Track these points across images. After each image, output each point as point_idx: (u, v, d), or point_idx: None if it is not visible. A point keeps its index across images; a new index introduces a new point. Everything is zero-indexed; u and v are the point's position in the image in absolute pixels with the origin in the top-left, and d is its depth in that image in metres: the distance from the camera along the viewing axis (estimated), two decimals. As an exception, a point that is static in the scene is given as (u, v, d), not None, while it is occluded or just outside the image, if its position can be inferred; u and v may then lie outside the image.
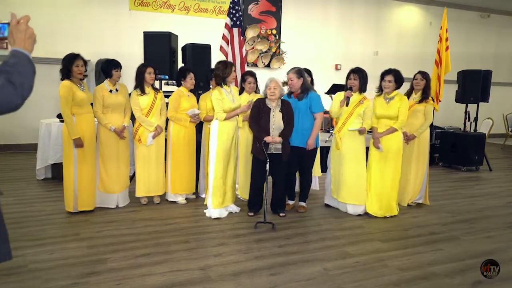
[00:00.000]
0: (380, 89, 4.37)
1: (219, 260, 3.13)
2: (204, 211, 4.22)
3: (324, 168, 4.96)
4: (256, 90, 4.82)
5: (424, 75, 4.77)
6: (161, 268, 2.95)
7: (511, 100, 12.51)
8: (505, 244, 3.67)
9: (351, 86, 4.25)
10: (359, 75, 4.24)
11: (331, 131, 5.93)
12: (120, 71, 4.29)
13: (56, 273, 2.83)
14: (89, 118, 4.12)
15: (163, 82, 5.43)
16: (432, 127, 6.82)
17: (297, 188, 4.69)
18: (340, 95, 4.37)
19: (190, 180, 4.68)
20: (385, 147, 4.25)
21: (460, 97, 7.26)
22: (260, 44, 9.53)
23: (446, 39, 6.72)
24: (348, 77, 4.32)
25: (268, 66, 9.68)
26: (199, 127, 4.78)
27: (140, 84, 4.38)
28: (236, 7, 5.99)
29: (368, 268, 3.06)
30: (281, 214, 4.25)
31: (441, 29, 6.81)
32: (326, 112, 5.17)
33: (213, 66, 4.40)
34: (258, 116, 4.09)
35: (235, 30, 5.98)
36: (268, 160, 3.86)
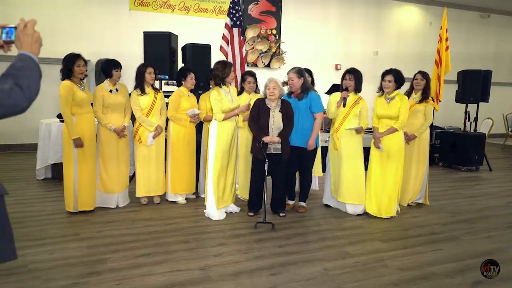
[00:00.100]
0: (381, 89, 4.37)
1: (219, 260, 3.13)
2: (204, 211, 4.22)
3: (324, 168, 4.96)
4: (256, 90, 4.82)
5: (424, 75, 4.77)
6: (161, 268, 2.95)
7: (511, 100, 12.52)
8: (505, 244, 3.67)
9: (347, 86, 4.26)
10: (354, 75, 4.26)
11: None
12: (120, 71, 4.29)
13: (56, 273, 2.83)
14: (89, 118, 4.12)
15: (163, 82, 5.43)
16: (432, 127, 6.82)
17: (297, 188, 4.69)
18: (336, 95, 4.38)
19: (190, 180, 4.68)
20: (386, 147, 4.25)
21: (460, 97, 7.26)
22: (260, 44, 9.53)
23: (446, 39, 6.72)
24: (343, 78, 4.33)
25: (268, 66, 9.68)
26: (199, 127, 4.78)
27: (140, 84, 4.38)
28: (236, 7, 5.99)
29: (368, 268, 3.06)
30: (281, 214, 4.25)
31: (441, 29, 6.81)
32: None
33: (213, 66, 4.40)
34: (257, 116, 4.10)
35: (235, 30, 5.98)
36: (267, 160, 3.85)
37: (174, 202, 4.63)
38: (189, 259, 3.12)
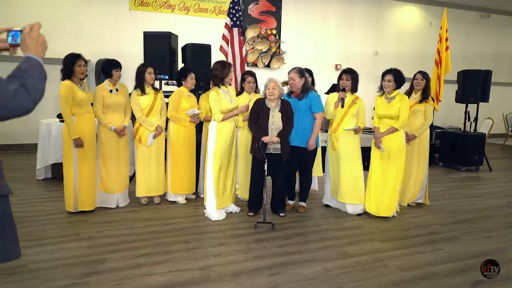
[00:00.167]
0: (381, 89, 4.37)
1: (219, 260, 3.13)
2: (204, 211, 4.22)
3: (324, 168, 4.96)
4: (256, 90, 4.82)
5: (424, 75, 4.78)
6: (161, 268, 2.95)
7: (511, 100, 12.52)
8: (505, 244, 3.67)
9: (344, 87, 4.26)
10: (351, 75, 4.27)
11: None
12: (120, 71, 4.29)
13: (56, 273, 2.83)
14: (89, 118, 4.12)
15: (163, 82, 5.43)
16: (432, 127, 6.82)
17: (297, 188, 4.69)
18: (333, 96, 4.38)
19: (190, 180, 4.68)
20: (386, 147, 4.25)
21: (460, 97, 7.26)
22: (260, 44, 9.53)
23: (446, 39, 6.72)
24: (340, 78, 4.33)
25: (268, 66, 9.68)
26: (199, 127, 4.78)
27: (140, 84, 4.38)
28: (236, 7, 5.99)
29: (368, 268, 3.06)
30: (281, 214, 4.25)
31: (441, 29, 6.81)
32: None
33: (212, 66, 4.39)
34: (257, 116, 4.09)
35: (235, 30, 5.98)
36: (266, 160, 3.85)
37: (174, 202, 4.63)
38: (189, 259, 3.12)
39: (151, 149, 4.44)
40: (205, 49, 5.42)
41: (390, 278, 2.90)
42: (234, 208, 4.37)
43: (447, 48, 6.72)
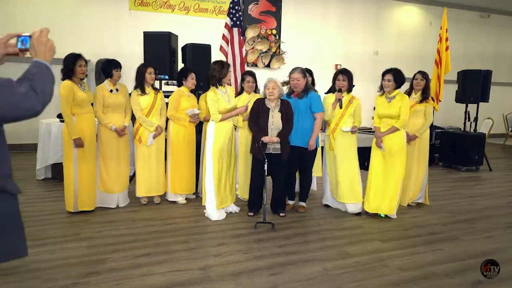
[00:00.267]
0: (382, 89, 4.37)
1: (219, 260, 3.13)
2: (204, 211, 4.22)
3: (324, 168, 4.96)
4: (256, 90, 4.82)
5: (424, 75, 4.78)
6: (161, 268, 2.95)
7: (511, 100, 12.52)
8: (505, 244, 3.67)
9: (341, 87, 4.27)
10: (347, 75, 4.28)
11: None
12: (120, 71, 4.29)
13: (56, 273, 2.83)
14: (89, 118, 4.12)
15: (163, 82, 5.43)
16: (432, 127, 6.81)
17: (297, 188, 4.69)
18: (329, 97, 4.38)
19: (190, 180, 4.68)
20: (387, 146, 4.25)
21: (460, 97, 7.26)
22: (260, 44, 9.53)
23: (446, 39, 6.71)
24: (336, 78, 4.33)
25: (268, 66, 9.68)
26: (199, 127, 4.78)
27: (140, 84, 4.38)
28: (236, 7, 5.98)
29: (368, 268, 3.06)
30: (281, 214, 4.25)
31: (441, 29, 6.80)
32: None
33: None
34: (257, 116, 4.09)
35: (235, 30, 5.97)
36: (266, 160, 3.85)
37: (174, 202, 4.63)
38: (189, 259, 3.12)
39: (151, 149, 4.44)
40: (205, 49, 5.43)
41: (390, 278, 2.90)
42: (234, 208, 4.37)
43: (447, 48, 6.72)
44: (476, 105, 7.35)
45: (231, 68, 4.78)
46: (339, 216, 4.33)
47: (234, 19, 5.96)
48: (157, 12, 8.60)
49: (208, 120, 4.53)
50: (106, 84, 4.28)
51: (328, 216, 4.34)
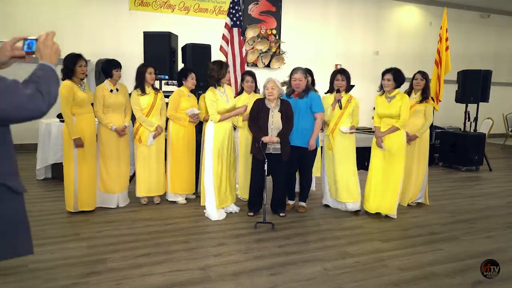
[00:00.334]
0: (382, 89, 4.38)
1: (219, 260, 3.13)
2: (204, 211, 4.22)
3: (324, 168, 4.96)
4: (256, 90, 4.82)
5: (424, 75, 4.78)
6: (161, 268, 2.95)
7: (511, 100, 12.52)
8: (505, 244, 3.67)
9: (339, 87, 4.27)
10: (345, 75, 4.29)
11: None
12: (120, 71, 4.29)
13: (56, 273, 2.84)
14: (89, 118, 4.12)
15: (163, 82, 5.43)
16: (432, 127, 6.81)
17: (297, 188, 4.69)
18: (327, 98, 4.38)
19: (190, 180, 4.68)
20: (387, 146, 4.25)
21: (460, 97, 7.26)
22: (260, 44, 9.53)
23: (446, 39, 6.72)
24: (335, 78, 4.33)
25: (268, 66, 9.68)
26: (199, 127, 4.78)
27: (140, 84, 4.38)
28: (236, 7, 5.99)
29: (368, 268, 3.06)
30: (281, 214, 4.25)
31: (441, 29, 6.80)
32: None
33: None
34: (257, 116, 4.09)
35: (235, 30, 5.97)
36: (266, 160, 3.85)
37: (174, 202, 4.63)
38: (189, 259, 3.12)
39: (151, 149, 4.44)
40: (205, 49, 5.43)
41: (390, 278, 2.90)
42: (234, 208, 4.37)
43: (447, 48, 6.72)
44: (476, 105, 7.35)
45: (231, 68, 4.78)
46: (339, 216, 4.33)
47: (234, 19, 5.97)
48: (157, 12, 8.60)
49: (207, 120, 4.53)
50: (106, 84, 4.28)
51: (328, 216, 4.34)
